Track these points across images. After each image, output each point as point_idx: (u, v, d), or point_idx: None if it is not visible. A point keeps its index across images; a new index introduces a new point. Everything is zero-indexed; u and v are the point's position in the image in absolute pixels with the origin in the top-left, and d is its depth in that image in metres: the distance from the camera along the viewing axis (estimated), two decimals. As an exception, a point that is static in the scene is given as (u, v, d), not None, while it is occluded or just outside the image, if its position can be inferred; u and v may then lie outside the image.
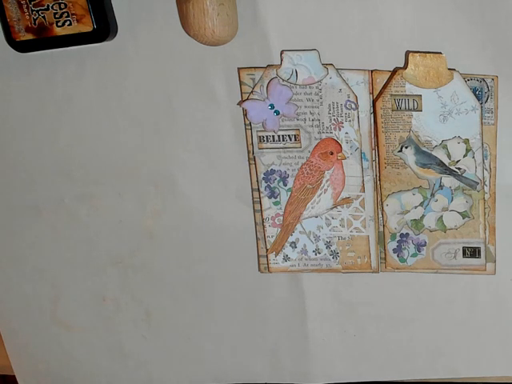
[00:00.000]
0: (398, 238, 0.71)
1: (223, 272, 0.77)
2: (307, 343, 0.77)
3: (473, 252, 0.71)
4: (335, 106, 0.68)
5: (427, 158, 0.68)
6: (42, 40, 0.68)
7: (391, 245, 0.72)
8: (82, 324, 0.81)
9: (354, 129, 0.68)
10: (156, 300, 0.79)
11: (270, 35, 0.66)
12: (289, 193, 0.72)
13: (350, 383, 0.79)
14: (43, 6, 0.66)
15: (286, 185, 0.72)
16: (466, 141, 0.67)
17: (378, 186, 0.70)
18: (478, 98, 0.65)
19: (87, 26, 0.67)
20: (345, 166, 0.70)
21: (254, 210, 0.74)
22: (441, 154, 0.67)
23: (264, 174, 0.71)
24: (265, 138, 0.70)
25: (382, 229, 0.72)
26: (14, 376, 0.86)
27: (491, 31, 0.64)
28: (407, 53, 0.65)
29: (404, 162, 0.68)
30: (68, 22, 0.67)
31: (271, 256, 0.74)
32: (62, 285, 0.79)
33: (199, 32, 0.62)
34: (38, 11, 0.66)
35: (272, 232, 0.74)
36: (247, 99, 0.68)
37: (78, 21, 0.66)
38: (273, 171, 0.71)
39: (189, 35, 0.64)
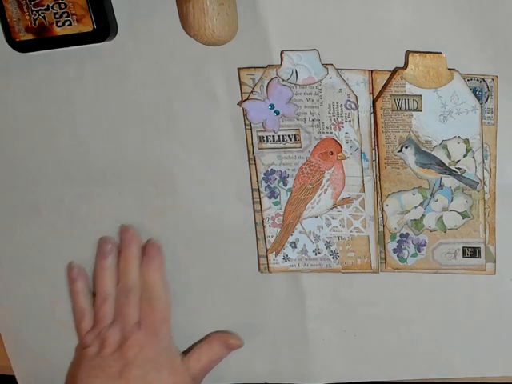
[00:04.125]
0: (397, 238, 0.72)
1: (223, 272, 0.76)
2: (307, 343, 0.77)
3: (473, 252, 0.71)
4: (335, 106, 0.68)
5: (427, 158, 0.68)
6: (42, 40, 0.68)
7: (391, 245, 0.72)
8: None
9: (354, 129, 0.68)
10: (156, 300, 0.79)
11: (270, 35, 0.66)
12: (289, 193, 0.72)
13: (350, 383, 0.79)
14: (43, 6, 0.66)
15: (285, 185, 0.72)
16: (466, 141, 0.67)
17: (378, 186, 0.70)
18: (478, 98, 0.65)
19: (87, 26, 0.67)
20: (345, 166, 0.70)
21: (254, 210, 0.74)
22: (441, 154, 0.68)
23: (264, 173, 0.72)
24: (265, 138, 0.70)
25: (381, 229, 0.72)
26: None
27: (491, 31, 0.64)
28: (407, 53, 0.65)
29: (404, 162, 0.68)
30: (68, 22, 0.67)
31: (271, 256, 0.74)
32: (61, 284, 0.79)
33: (199, 32, 0.62)
34: (37, 11, 0.66)
35: (272, 232, 0.74)
36: (247, 99, 0.69)
37: (78, 21, 0.66)
38: (273, 171, 0.71)
39: (189, 35, 0.64)
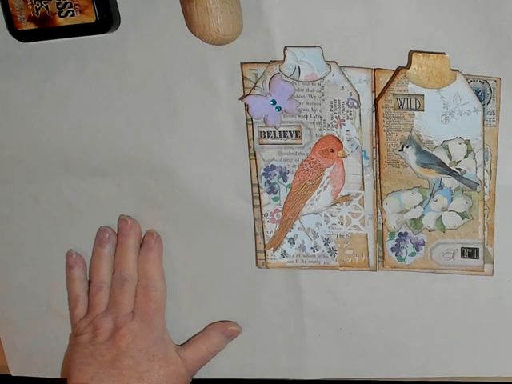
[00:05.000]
0: (396, 237, 0.71)
1: (221, 266, 0.76)
2: (303, 339, 0.77)
3: (471, 253, 0.71)
4: (337, 104, 0.68)
5: (428, 158, 0.68)
6: (44, 30, 0.67)
7: (389, 243, 0.72)
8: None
9: (356, 127, 0.68)
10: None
11: (273, 31, 0.66)
12: (288, 189, 0.72)
13: (347, 381, 0.79)
14: (46, -5, 0.66)
15: (285, 181, 0.72)
16: (468, 142, 0.67)
17: (378, 185, 0.70)
18: (481, 99, 0.65)
19: (90, 17, 0.66)
20: (345, 163, 0.70)
21: (253, 206, 0.73)
22: (442, 155, 0.67)
23: (264, 169, 0.71)
24: (266, 134, 0.70)
25: (380, 227, 0.72)
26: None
27: (495, 33, 0.63)
28: (411, 52, 0.65)
29: (404, 161, 0.68)
30: (71, 13, 0.66)
31: (269, 251, 0.74)
32: (58, 275, 0.79)
33: (204, 31, 0.62)
34: (40, 1, 0.66)
35: (270, 228, 0.74)
36: (249, 94, 0.68)
37: (80, 11, 0.66)
38: (273, 167, 0.71)
39: (194, 35, 0.63)
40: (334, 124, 0.68)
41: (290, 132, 0.70)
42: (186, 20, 0.64)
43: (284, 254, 0.74)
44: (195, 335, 0.78)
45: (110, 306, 0.76)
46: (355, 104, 0.67)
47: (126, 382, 0.73)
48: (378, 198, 0.71)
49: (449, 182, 0.69)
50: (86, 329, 0.75)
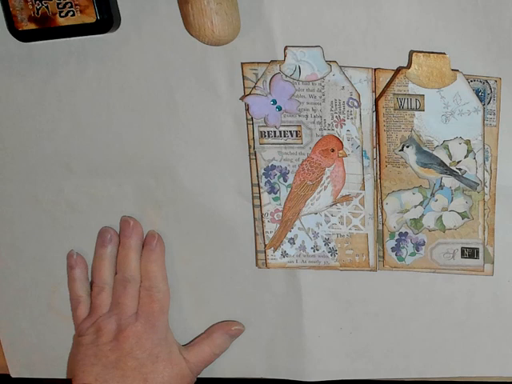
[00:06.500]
0: (396, 237, 0.72)
1: (221, 266, 0.77)
2: (303, 339, 0.77)
3: (471, 253, 0.71)
4: (337, 103, 0.68)
5: (428, 158, 0.68)
6: (45, 30, 0.67)
7: (390, 243, 0.72)
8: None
9: (356, 126, 0.68)
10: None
11: (274, 31, 0.66)
12: (289, 189, 0.72)
13: (346, 381, 0.79)
14: (47, -5, 0.66)
15: (286, 181, 0.72)
16: (468, 142, 0.67)
17: (379, 185, 0.70)
18: (481, 99, 0.65)
19: (90, 17, 0.66)
20: (345, 163, 0.70)
21: (254, 205, 0.73)
22: (442, 154, 0.67)
23: (264, 169, 0.71)
24: (266, 134, 0.70)
25: (381, 227, 0.72)
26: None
27: (495, 33, 0.64)
28: (411, 52, 0.65)
29: (405, 161, 0.68)
30: (71, 13, 0.66)
31: (269, 251, 0.74)
32: (59, 275, 0.79)
33: (200, 32, 0.62)
34: (41, 1, 0.66)
35: (271, 227, 0.74)
36: (249, 94, 0.68)
37: (81, 11, 0.66)
38: (273, 167, 0.71)
39: (192, 36, 0.64)
40: (334, 124, 0.68)
41: (291, 132, 0.70)
42: (184, 21, 0.65)
43: (284, 254, 0.74)
44: (199, 336, 0.78)
45: (112, 307, 0.76)
46: (355, 104, 0.67)
47: (130, 383, 0.73)
48: (379, 197, 0.71)
49: (449, 181, 0.69)
50: (88, 330, 0.75)
